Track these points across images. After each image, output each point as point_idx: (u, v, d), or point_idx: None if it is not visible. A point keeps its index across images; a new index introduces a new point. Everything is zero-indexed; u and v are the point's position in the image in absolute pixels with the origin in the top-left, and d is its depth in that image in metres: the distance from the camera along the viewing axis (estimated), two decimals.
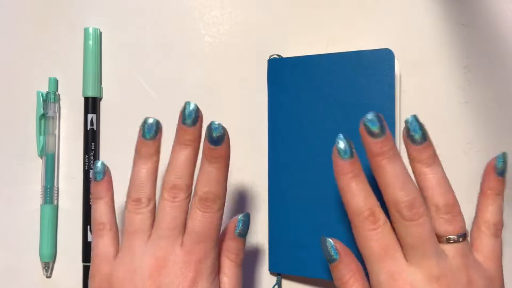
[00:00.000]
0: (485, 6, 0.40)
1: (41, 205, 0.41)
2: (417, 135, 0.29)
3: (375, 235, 0.28)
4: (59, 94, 0.42)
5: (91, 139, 0.41)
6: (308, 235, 0.38)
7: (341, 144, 0.29)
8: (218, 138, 0.30)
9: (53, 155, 0.41)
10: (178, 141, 0.31)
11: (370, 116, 0.28)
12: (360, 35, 0.40)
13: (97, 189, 0.34)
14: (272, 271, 0.39)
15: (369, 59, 0.38)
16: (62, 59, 0.42)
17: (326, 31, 0.41)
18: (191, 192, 0.31)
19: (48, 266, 0.41)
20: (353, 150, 0.29)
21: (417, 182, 0.30)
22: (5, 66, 0.42)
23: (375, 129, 0.28)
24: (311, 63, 0.39)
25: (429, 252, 0.28)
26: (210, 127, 0.30)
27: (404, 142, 0.30)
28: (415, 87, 0.40)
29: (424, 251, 0.28)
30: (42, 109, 0.41)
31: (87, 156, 0.40)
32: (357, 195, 0.29)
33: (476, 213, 0.32)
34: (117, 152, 0.41)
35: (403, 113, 0.40)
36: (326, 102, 0.38)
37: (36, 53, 0.42)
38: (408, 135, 0.29)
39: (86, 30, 0.41)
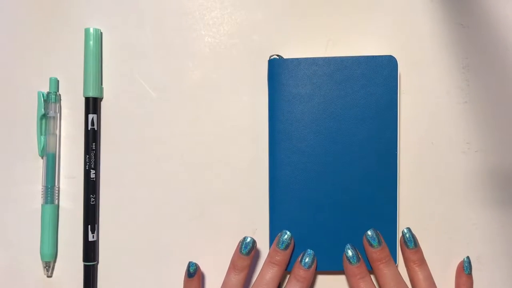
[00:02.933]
0: (485, 6, 0.40)
1: (42, 205, 0.41)
2: (411, 243, 0.38)
3: None
4: (60, 94, 0.42)
5: (92, 139, 0.41)
6: (309, 232, 0.39)
7: (350, 252, 0.37)
8: (310, 264, 0.37)
9: (54, 155, 0.41)
10: (269, 259, 0.38)
11: (370, 232, 0.37)
12: (360, 36, 0.41)
13: (189, 284, 0.38)
14: None
15: (371, 64, 0.38)
16: (63, 59, 0.42)
17: (326, 31, 0.41)
18: None
19: (49, 266, 0.41)
20: (359, 256, 0.38)
21: (409, 276, 0.39)
22: (6, 66, 0.42)
23: (374, 242, 0.37)
24: (312, 65, 0.39)
25: None
26: (304, 254, 0.38)
27: (401, 246, 0.39)
28: (415, 87, 0.40)
29: None
30: (43, 109, 0.41)
31: (87, 156, 0.41)
32: None
33: None
34: (118, 152, 0.41)
35: (403, 113, 0.40)
36: (327, 102, 0.39)
37: (37, 54, 0.42)
38: (404, 243, 0.39)
39: (86, 31, 0.41)
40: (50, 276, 0.41)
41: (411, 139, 0.40)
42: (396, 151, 0.38)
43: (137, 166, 0.41)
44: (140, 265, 0.41)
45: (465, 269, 0.39)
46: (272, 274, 0.37)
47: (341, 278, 0.40)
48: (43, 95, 0.41)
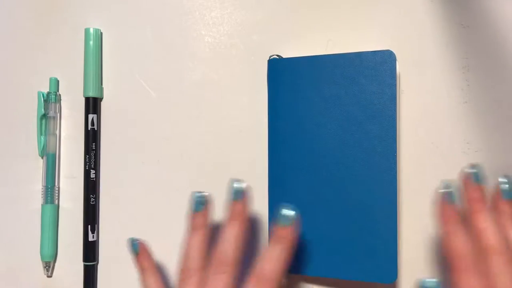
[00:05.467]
0: (485, 6, 0.40)
1: (42, 205, 0.41)
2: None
3: (475, 278, 0.30)
4: (60, 94, 0.42)
5: (92, 139, 0.41)
6: (309, 234, 0.38)
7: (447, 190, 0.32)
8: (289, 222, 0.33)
9: (54, 155, 0.41)
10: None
11: (472, 169, 0.32)
12: (360, 35, 0.41)
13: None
14: None
15: (370, 60, 0.38)
16: (63, 59, 0.42)
17: (326, 31, 0.41)
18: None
19: (49, 266, 0.41)
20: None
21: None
22: (6, 66, 0.42)
23: (477, 181, 0.32)
24: (311, 64, 0.39)
25: None
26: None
27: (493, 197, 0.33)
28: (415, 87, 0.40)
29: None
30: (43, 109, 0.41)
31: (87, 156, 0.41)
32: (459, 239, 0.31)
33: None
34: (118, 152, 0.41)
35: (403, 113, 0.40)
36: (326, 102, 0.39)
37: (37, 54, 0.42)
38: (504, 193, 0.33)
39: (86, 31, 0.41)
40: (50, 276, 0.41)
41: (411, 139, 0.40)
42: (396, 151, 0.38)
43: (137, 166, 0.41)
44: None
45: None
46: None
47: (341, 281, 0.40)
48: (43, 95, 0.41)
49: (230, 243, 0.32)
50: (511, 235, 0.32)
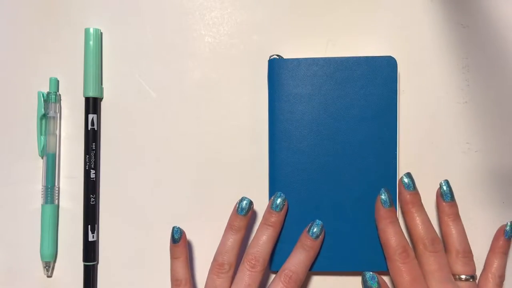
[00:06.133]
0: (485, 6, 0.40)
1: (42, 205, 0.41)
2: (448, 197, 0.38)
3: (406, 267, 0.35)
4: (60, 94, 0.42)
5: (92, 139, 0.41)
6: None
7: (384, 196, 0.37)
8: (318, 235, 0.38)
9: (54, 155, 0.41)
10: (264, 221, 0.38)
11: (405, 177, 0.38)
12: (360, 36, 0.41)
13: (175, 250, 0.38)
14: (275, 270, 0.39)
15: (371, 65, 0.38)
16: (63, 59, 0.42)
17: (326, 31, 0.41)
18: (265, 267, 0.37)
19: (49, 266, 0.41)
20: (392, 201, 0.37)
21: (442, 231, 0.38)
22: (6, 66, 0.42)
23: (409, 187, 0.37)
24: (312, 65, 0.39)
25: (446, 278, 0.36)
26: (313, 224, 0.38)
27: (436, 199, 0.39)
28: (415, 87, 0.40)
29: (441, 278, 0.35)
30: (43, 109, 0.41)
31: (87, 156, 0.41)
32: (394, 235, 0.36)
33: (485, 266, 0.39)
34: (118, 152, 0.41)
35: (403, 113, 0.40)
36: (327, 102, 0.39)
37: (37, 54, 0.42)
38: (441, 195, 0.38)
39: (86, 31, 0.41)
40: (50, 276, 0.41)
41: (411, 139, 0.40)
42: (396, 151, 0.38)
43: (137, 166, 0.41)
44: (140, 265, 0.41)
45: (506, 231, 0.38)
46: (267, 235, 0.37)
47: (343, 279, 0.40)
48: (43, 95, 0.41)
49: (263, 244, 0.37)
50: (445, 231, 0.37)
